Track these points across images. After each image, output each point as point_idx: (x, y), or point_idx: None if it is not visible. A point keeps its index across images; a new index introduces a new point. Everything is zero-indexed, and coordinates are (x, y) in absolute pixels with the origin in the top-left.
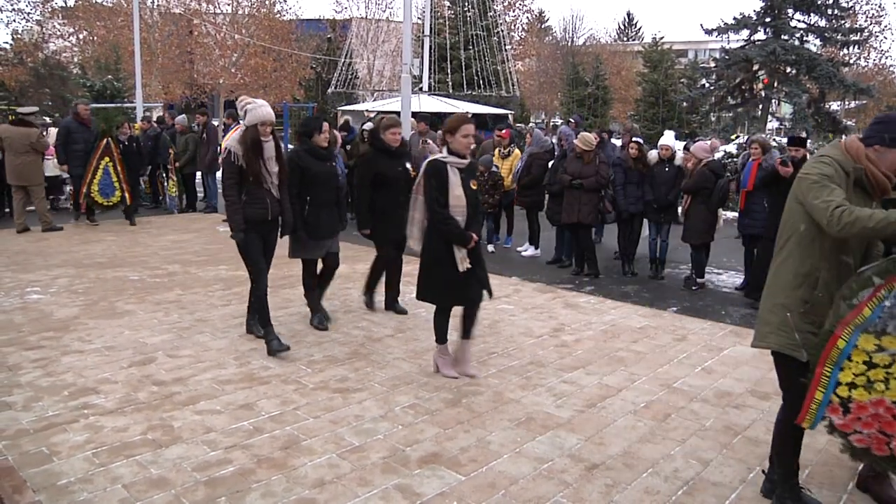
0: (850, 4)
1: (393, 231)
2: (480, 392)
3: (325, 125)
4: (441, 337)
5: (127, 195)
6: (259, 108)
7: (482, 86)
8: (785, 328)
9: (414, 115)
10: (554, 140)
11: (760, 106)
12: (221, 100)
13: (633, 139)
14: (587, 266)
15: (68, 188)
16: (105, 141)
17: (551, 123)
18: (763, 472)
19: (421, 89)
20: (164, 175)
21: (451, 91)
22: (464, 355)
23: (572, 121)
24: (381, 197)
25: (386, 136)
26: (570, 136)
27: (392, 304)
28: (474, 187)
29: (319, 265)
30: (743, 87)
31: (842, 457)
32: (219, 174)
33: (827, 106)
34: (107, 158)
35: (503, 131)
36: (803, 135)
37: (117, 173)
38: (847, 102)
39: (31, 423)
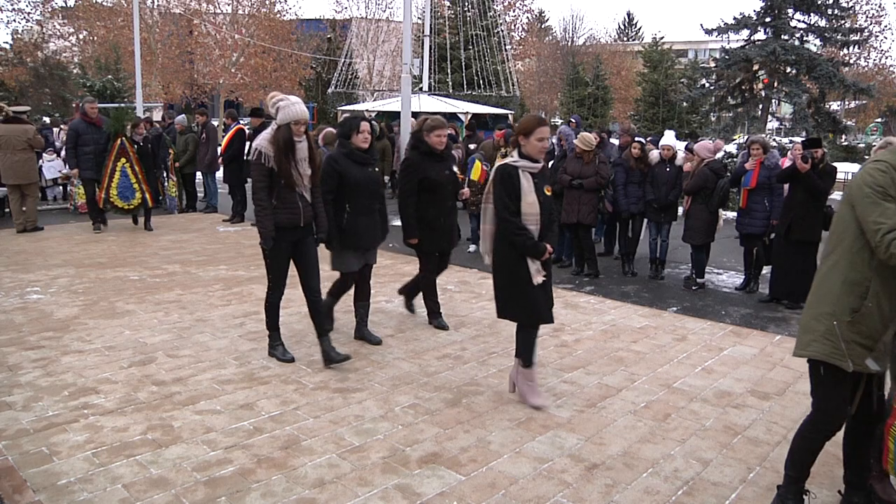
0: (850, 4)
1: (439, 240)
2: (480, 392)
3: (364, 124)
4: (528, 359)
5: (148, 196)
6: (292, 106)
7: (482, 86)
8: (831, 337)
9: (414, 115)
10: (554, 140)
11: (760, 106)
12: (221, 100)
13: (635, 139)
14: (587, 266)
15: (59, 188)
16: (119, 141)
17: (551, 123)
18: (839, 492)
19: (421, 89)
20: (164, 175)
21: (451, 91)
22: (521, 371)
23: (573, 121)
24: (426, 204)
25: (430, 138)
26: (570, 137)
27: (434, 318)
28: (548, 193)
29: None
30: (743, 87)
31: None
32: (218, 174)
33: (827, 106)
34: (123, 160)
35: (500, 132)
36: (814, 135)
37: (135, 174)
38: (847, 102)
39: (31, 422)
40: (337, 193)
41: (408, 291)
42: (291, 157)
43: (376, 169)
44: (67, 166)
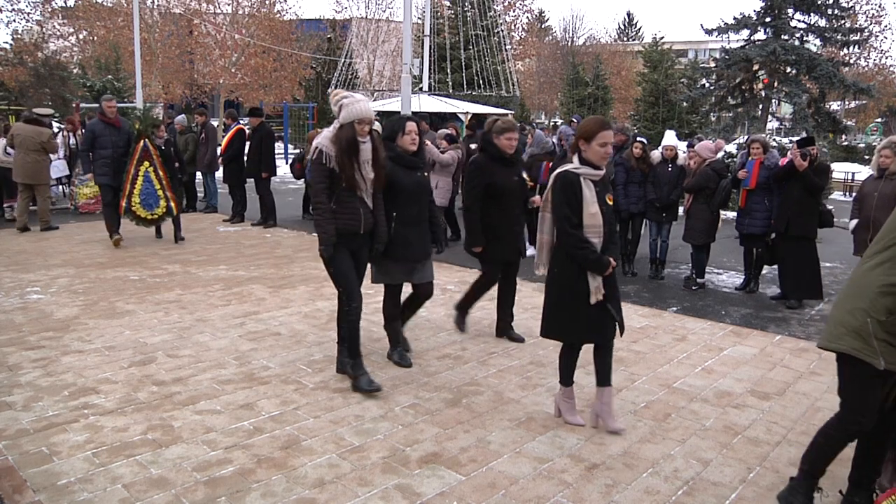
0: (850, 4)
1: (505, 249)
2: (480, 392)
3: (411, 125)
4: (567, 378)
5: (173, 204)
6: (357, 104)
7: (482, 86)
8: (863, 333)
9: (413, 115)
10: (554, 140)
11: (760, 106)
12: (222, 100)
13: (637, 139)
14: None
15: (62, 188)
16: (142, 143)
17: (551, 123)
18: (840, 492)
19: (421, 89)
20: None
21: (451, 91)
22: (607, 407)
23: (574, 120)
24: (493, 210)
25: (500, 141)
26: (570, 137)
27: (506, 331)
28: (610, 203)
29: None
30: (743, 87)
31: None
32: (218, 174)
33: (827, 106)
34: (146, 164)
35: None
36: (803, 135)
37: (159, 179)
38: (847, 102)
39: (32, 422)
40: (384, 200)
41: (464, 306)
42: (354, 159)
43: (425, 174)
44: (81, 170)
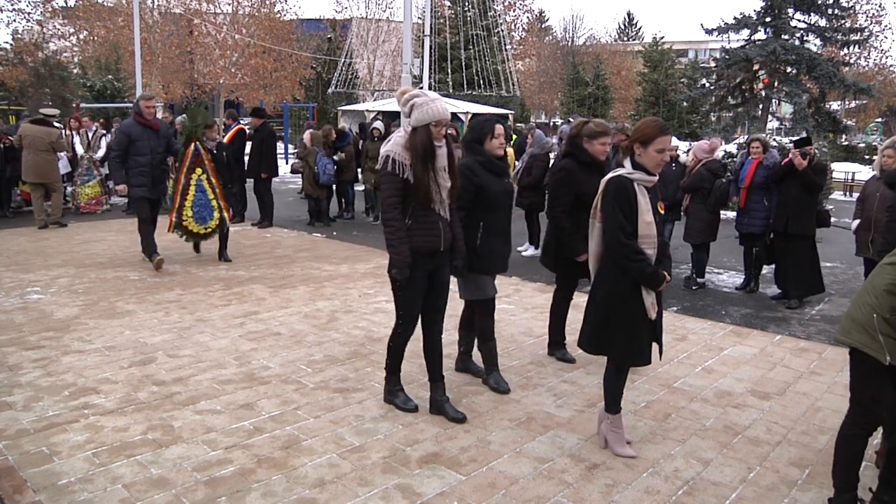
0: (851, 4)
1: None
2: (480, 392)
3: (500, 128)
4: (616, 404)
5: (226, 215)
6: (433, 104)
7: (482, 86)
8: (869, 328)
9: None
10: (555, 140)
11: (760, 106)
12: (221, 100)
13: None
14: None
15: (70, 188)
16: (192, 147)
17: (552, 123)
18: (870, 490)
19: (421, 89)
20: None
21: (451, 91)
22: (610, 419)
23: (571, 120)
24: (582, 221)
25: (594, 146)
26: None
27: (557, 350)
28: (662, 211)
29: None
30: (743, 86)
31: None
32: None
33: (827, 106)
34: (198, 171)
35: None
36: (803, 134)
37: (213, 188)
38: (847, 102)
39: (32, 422)
40: (470, 209)
41: (558, 340)
42: (432, 166)
43: (509, 179)
44: (112, 182)
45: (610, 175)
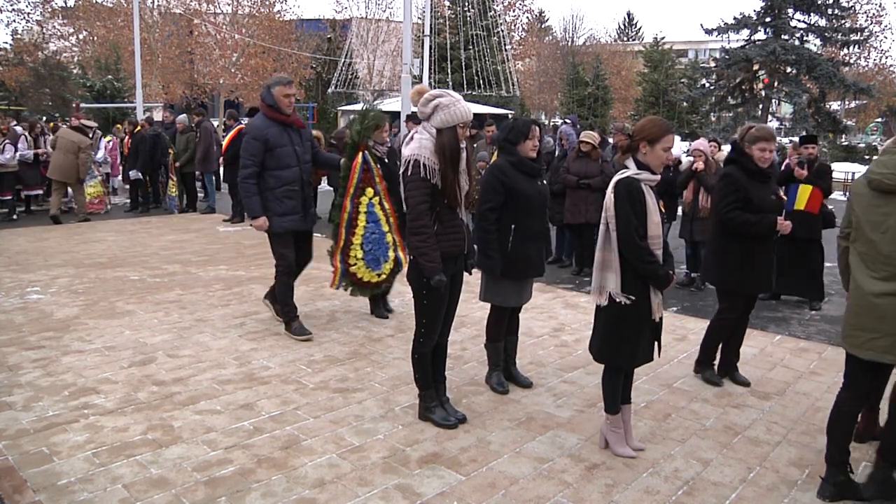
0: (851, 4)
1: (759, 281)
2: (480, 392)
3: (536, 129)
4: (615, 404)
5: (402, 255)
6: (458, 105)
7: (482, 86)
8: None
9: (409, 117)
10: (554, 140)
11: (760, 106)
12: (221, 100)
13: None
14: (584, 263)
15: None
16: (360, 158)
17: (551, 123)
18: (820, 477)
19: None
20: (164, 175)
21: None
22: (627, 424)
23: (568, 120)
24: (748, 236)
25: (754, 151)
26: (570, 136)
27: (730, 372)
28: (663, 210)
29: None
30: (743, 86)
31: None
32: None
33: (827, 106)
34: (369, 192)
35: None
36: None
37: (386, 215)
38: (847, 102)
39: (32, 423)
40: (501, 212)
41: (708, 359)
42: (458, 169)
43: (545, 181)
44: (244, 208)
45: (618, 177)
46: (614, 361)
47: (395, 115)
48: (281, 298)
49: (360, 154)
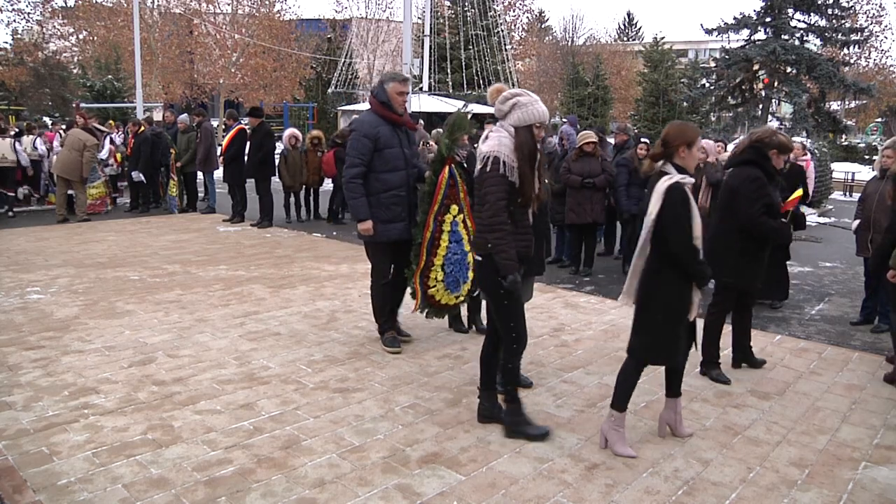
0: (851, 4)
1: (759, 276)
2: None
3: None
4: (626, 400)
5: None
6: (536, 104)
7: (482, 86)
8: None
9: (413, 115)
10: (555, 140)
11: (760, 106)
12: (221, 100)
13: (641, 140)
14: (585, 264)
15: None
16: (447, 171)
17: (551, 123)
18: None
19: (421, 89)
20: (165, 175)
21: (451, 91)
22: (677, 414)
23: (566, 120)
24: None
25: (777, 160)
26: (571, 136)
27: (748, 358)
28: None
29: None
30: (743, 86)
31: (842, 456)
32: (217, 173)
33: (827, 106)
34: (454, 209)
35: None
36: (803, 135)
37: (469, 234)
38: (847, 102)
39: (32, 422)
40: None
41: (739, 346)
42: (535, 169)
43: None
44: (350, 210)
45: (669, 182)
46: (657, 359)
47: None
48: (377, 307)
49: (447, 168)
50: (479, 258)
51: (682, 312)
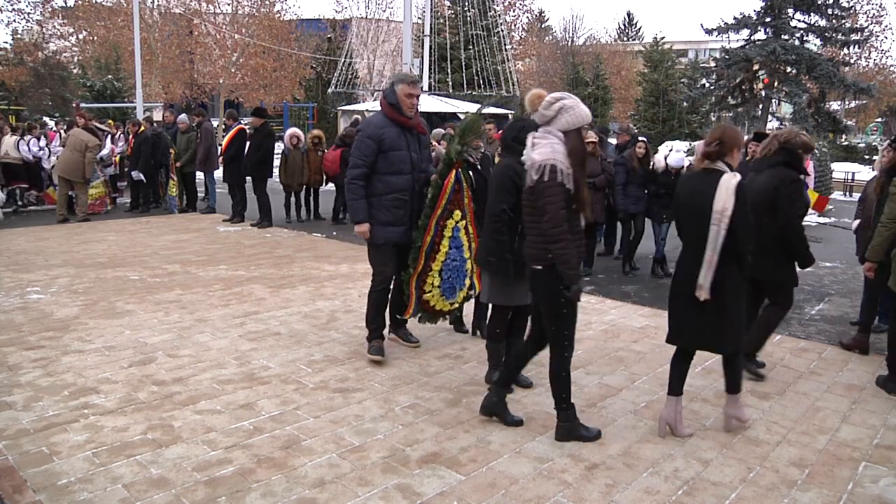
0: (851, 4)
1: (795, 275)
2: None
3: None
4: (680, 387)
5: (476, 281)
6: (580, 106)
7: (482, 86)
8: None
9: None
10: None
11: (760, 106)
12: (221, 100)
13: (640, 139)
14: (584, 264)
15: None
16: (454, 176)
17: None
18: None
19: (421, 89)
20: (165, 175)
21: (451, 91)
22: (678, 413)
23: None
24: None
25: (807, 161)
26: None
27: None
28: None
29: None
30: (743, 86)
31: (842, 456)
32: (217, 173)
33: (827, 106)
34: (456, 214)
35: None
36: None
37: (470, 241)
38: (847, 102)
39: (32, 422)
40: (515, 213)
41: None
42: (584, 174)
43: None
44: (348, 211)
45: (735, 180)
46: (744, 345)
47: (498, 118)
48: (371, 311)
49: (454, 172)
50: (539, 268)
51: (742, 300)
